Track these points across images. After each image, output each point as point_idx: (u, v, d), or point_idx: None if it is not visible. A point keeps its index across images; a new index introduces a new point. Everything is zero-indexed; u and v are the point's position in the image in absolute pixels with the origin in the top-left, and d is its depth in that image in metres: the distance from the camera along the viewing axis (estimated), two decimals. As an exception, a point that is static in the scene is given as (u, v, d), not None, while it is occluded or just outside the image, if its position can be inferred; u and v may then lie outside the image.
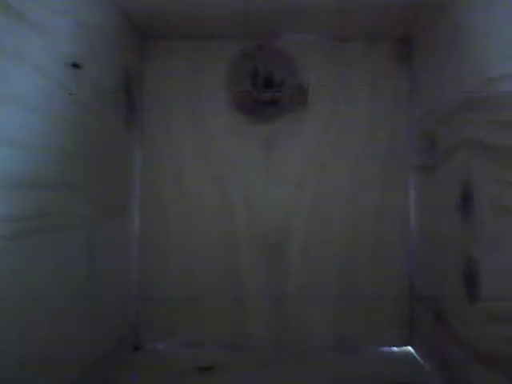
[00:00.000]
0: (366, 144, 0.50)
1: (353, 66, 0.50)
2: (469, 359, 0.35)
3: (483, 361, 0.32)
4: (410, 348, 0.49)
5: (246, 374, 0.43)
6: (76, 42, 0.34)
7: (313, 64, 0.50)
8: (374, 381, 0.42)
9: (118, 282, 0.45)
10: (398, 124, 0.50)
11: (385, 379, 0.42)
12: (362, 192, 0.50)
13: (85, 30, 0.36)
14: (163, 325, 0.50)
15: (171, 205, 0.50)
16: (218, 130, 0.50)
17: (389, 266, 0.50)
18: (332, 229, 0.50)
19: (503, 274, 0.30)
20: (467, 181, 0.35)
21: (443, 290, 0.40)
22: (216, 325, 0.50)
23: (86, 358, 0.37)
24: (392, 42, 0.50)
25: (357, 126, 0.50)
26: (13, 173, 0.27)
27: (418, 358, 0.47)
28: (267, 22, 0.46)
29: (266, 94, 0.51)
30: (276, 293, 0.50)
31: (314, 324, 0.50)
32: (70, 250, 0.34)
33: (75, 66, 0.34)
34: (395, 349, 0.49)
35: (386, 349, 0.49)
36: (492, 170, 0.32)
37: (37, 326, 0.30)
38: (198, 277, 0.50)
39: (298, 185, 0.50)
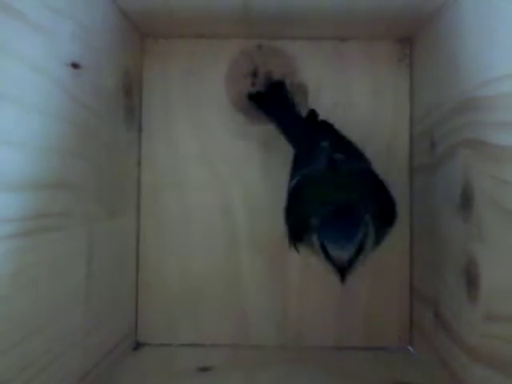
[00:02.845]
0: (366, 144, 0.50)
1: (353, 66, 0.50)
2: (469, 359, 0.35)
3: (483, 361, 0.32)
4: (410, 348, 0.49)
5: (246, 374, 0.43)
6: (76, 42, 0.34)
7: (313, 64, 0.50)
8: (374, 381, 0.42)
9: (118, 282, 0.45)
10: (398, 124, 0.50)
11: (385, 379, 0.42)
12: (362, 192, 0.50)
13: (84, 30, 0.36)
14: (163, 325, 0.50)
15: (171, 205, 0.50)
16: (218, 129, 0.50)
17: (389, 265, 0.50)
18: (332, 229, 0.50)
19: (503, 273, 0.30)
20: (467, 181, 0.35)
21: (443, 289, 0.40)
22: (216, 325, 0.50)
23: (86, 358, 0.37)
24: (392, 42, 0.50)
25: (357, 126, 0.50)
26: (12, 173, 0.27)
27: (418, 358, 0.47)
28: (267, 21, 0.46)
29: (266, 93, 0.50)
30: (276, 293, 0.50)
31: (314, 324, 0.50)
32: (69, 250, 0.34)
33: (75, 65, 0.34)
34: (395, 349, 0.49)
35: (385, 349, 0.49)
36: (492, 170, 0.32)
37: (37, 326, 0.30)
38: (197, 277, 0.50)
39: (298, 185, 0.50)
